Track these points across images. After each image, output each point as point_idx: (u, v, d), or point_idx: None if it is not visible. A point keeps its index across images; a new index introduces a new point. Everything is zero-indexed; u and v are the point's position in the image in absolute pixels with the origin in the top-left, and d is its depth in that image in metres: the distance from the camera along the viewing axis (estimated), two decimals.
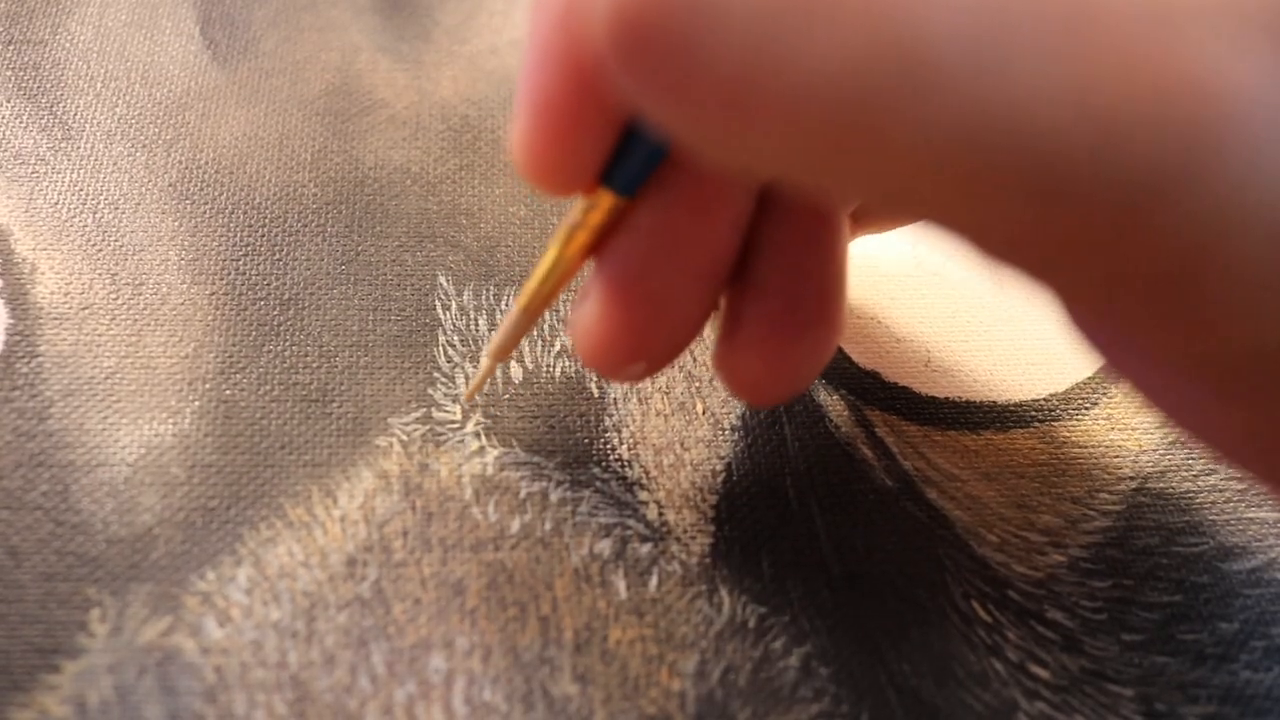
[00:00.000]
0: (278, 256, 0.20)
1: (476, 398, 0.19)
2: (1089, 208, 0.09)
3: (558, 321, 0.20)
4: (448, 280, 0.20)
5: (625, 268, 0.14)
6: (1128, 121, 0.08)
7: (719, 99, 0.09)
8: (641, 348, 0.15)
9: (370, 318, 0.19)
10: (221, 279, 0.20)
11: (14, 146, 0.21)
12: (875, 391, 0.20)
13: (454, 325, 0.20)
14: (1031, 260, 0.10)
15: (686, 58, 0.09)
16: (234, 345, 0.19)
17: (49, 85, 0.22)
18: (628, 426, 0.19)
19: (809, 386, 0.19)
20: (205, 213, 0.20)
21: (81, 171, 0.21)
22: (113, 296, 0.19)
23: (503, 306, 0.20)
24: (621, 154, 0.13)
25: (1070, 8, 0.08)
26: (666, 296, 0.14)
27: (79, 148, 0.21)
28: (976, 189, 0.09)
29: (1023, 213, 0.09)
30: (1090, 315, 0.12)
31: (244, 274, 0.20)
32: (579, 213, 0.14)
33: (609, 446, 0.18)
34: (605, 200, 0.14)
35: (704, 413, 0.19)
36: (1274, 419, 0.11)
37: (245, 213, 0.21)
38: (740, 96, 0.09)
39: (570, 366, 0.19)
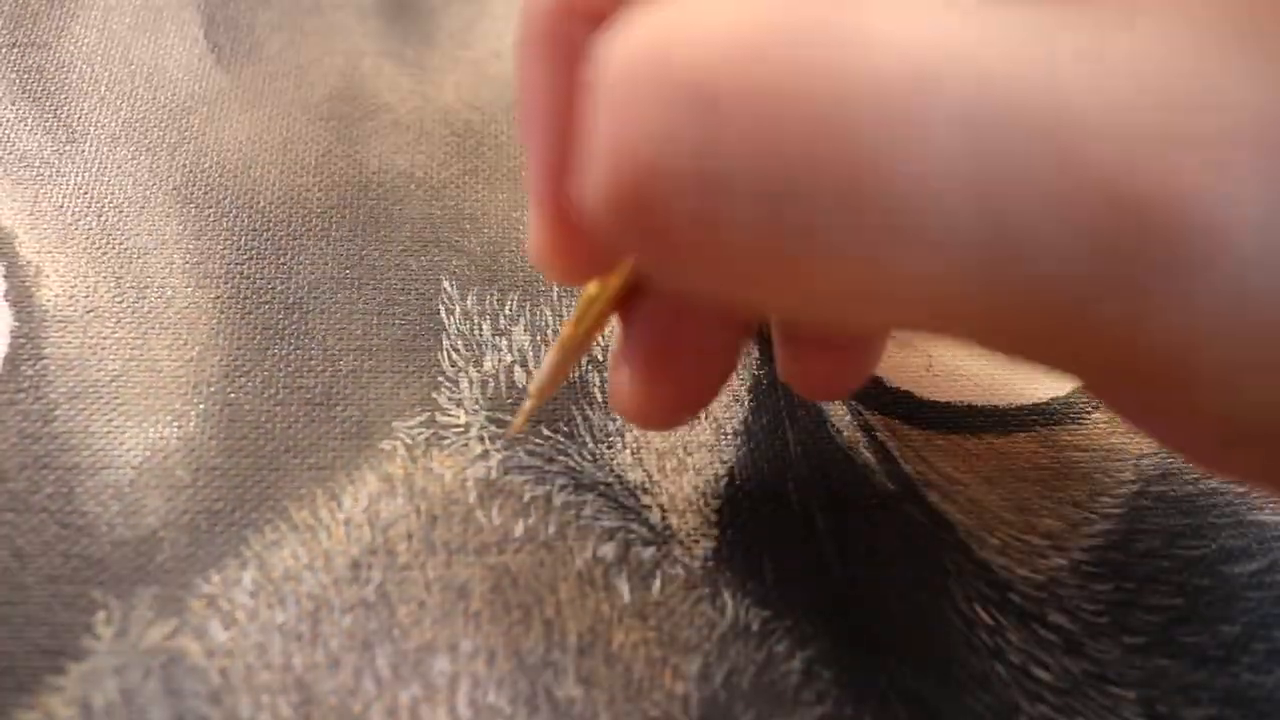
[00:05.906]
0: (282, 260, 0.20)
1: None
2: (1068, 316, 0.09)
3: (558, 324, 0.20)
4: (452, 285, 0.20)
5: (653, 330, 0.15)
6: (1107, 237, 0.09)
7: (695, 262, 0.10)
8: (686, 401, 0.16)
9: (374, 322, 0.20)
10: (226, 283, 0.20)
11: (18, 149, 0.21)
12: (877, 396, 0.20)
13: (458, 330, 0.20)
14: (1019, 353, 0.11)
15: (672, 228, 0.10)
16: (238, 349, 0.19)
17: (53, 88, 0.22)
18: (631, 431, 0.19)
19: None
20: (210, 216, 0.21)
21: (86, 175, 0.21)
22: (117, 300, 0.19)
23: (506, 311, 0.20)
24: None
25: (1050, 125, 0.09)
26: (699, 347, 0.15)
27: (83, 151, 0.21)
28: (958, 305, 0.10)
29: (1005, 319, 0.10)
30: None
31: (248, 278, 0.20)
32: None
33: (613, 451, 0.18)
34: (626, 265, 0.15)
35: (706, 417, 0.19)
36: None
37: (250, 217, 0.21)
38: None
39: (574, 371, 0.19)
